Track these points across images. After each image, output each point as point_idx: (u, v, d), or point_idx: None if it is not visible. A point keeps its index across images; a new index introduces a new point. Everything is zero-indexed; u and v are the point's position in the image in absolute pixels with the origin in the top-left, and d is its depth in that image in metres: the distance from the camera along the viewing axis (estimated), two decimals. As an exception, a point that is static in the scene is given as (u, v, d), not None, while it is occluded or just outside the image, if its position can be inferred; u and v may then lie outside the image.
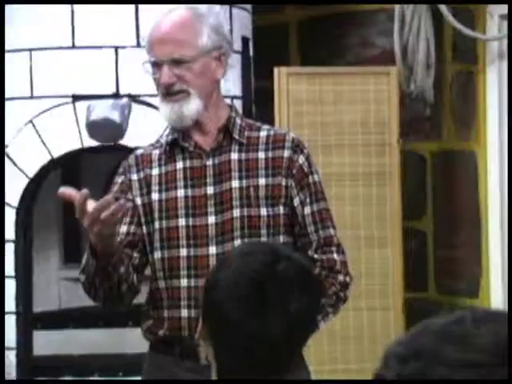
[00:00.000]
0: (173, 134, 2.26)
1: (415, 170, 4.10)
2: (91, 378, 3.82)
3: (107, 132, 2.01)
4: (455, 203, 4.04)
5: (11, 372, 3.65)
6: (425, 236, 4.12)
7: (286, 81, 3.77)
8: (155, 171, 2.25)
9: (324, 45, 4.37)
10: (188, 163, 2.23)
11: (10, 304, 3.65)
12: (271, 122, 3.83)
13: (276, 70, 3.77)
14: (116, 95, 3.58)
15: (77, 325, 4.14)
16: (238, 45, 3.83)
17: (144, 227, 2.24)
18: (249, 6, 3.96)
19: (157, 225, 2.22)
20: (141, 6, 3.57)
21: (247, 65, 3.88)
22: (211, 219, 2.20)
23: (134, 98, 3.58)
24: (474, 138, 3.95)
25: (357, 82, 3.83)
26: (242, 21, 3.85)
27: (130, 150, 3.63)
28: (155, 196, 2.23)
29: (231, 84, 3.77)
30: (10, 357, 3.64)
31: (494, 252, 3.87)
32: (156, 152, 2.28)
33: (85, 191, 2.04)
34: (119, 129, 2.07)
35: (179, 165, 2.23)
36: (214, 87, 2.25)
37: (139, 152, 2.32)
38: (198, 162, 2.23)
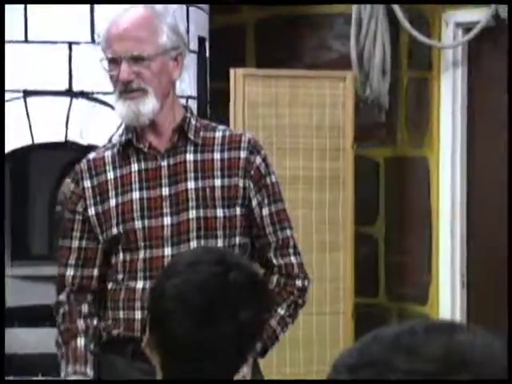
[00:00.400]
0: (127, 134, 2.23)
1: (368, 175, 4.11)
2: (35, 378, 3.75)
3: None
4: (407, 209, 4.05)
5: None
6: (376, 241, 4.13)
7: (242, 82, 3.75)
8: (110, 175, 2.22)
9: (281, 47, 4.36)
10: (143, 165, 2.20)
11: (-45, 302, 3.57)
12: (226, 123, 3.81)
13: (232, 71, 3.74)
14: (69, 91, 3.52)
15: (22, 324, 4.07)
16: (194, 45, 3.80)
17: (100, 237, 2.22)
18: (206, 6, 3.93)
19: (115, 230, 2.19)
20: (96, 5, 3.52)
21: (203, 65, 3.85)
22: (167, 220, 2.17)
23: (87, 96, 3.53)
24: (427, 145, 3.97)
25: (313, 86, 3.82)
26: (198, 21, 3.81)
27: (83, 148, 3.61)
28: (112, 202, 2.20)
29: (186, 84, 3.74)
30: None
31: (443, 259, 3.88)
32: (108, 154, 2.25)
33: None
34: None
35: (134, 167, 2.20)
36: (170, 87, 2.22)
37: (91, 156, 2.28)
38: (152, 163, 2.20)
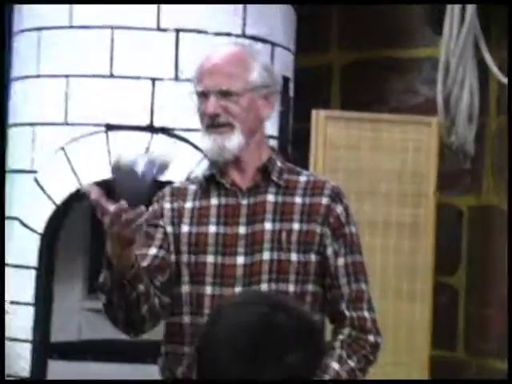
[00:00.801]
0: (210, 169, 2.23)
1: (451, 223, 4.00)
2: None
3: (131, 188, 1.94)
4: (490, 259, 3.92)
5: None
6: (456, 292, 4.01)
7: (324, 124, 3.70)
8: (188, 204, 2.21)
9: (366, 90, 4.31)
10: (223, 200, 2.19)
11: (27, 332, 3.59)
12: (306, 164, 3.76)
13: (314, 113, 3.71)
14: (150, 127, 3.53)
15: (95, 357, 4.06)
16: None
17: (172, 256, 2.19)
18: (292, 46, 3.91)
19: (185, 258, 2.18)
20: (181, 40, 3.53)
21: (286, 105, 3.82)
22: (240, 260, 2.14)
23: (167, 132, 3.53)
24: (514, 194, 3.85)
25: (396, 130, 3.75)
26: (283, 60, 3.80)
27: (161, 183, 3.60)
28: (185, 228, 2.19)
29: (268, 123, 3.71)
30: (24, 386, 3.58)
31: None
32: (192, 187, 2.24)
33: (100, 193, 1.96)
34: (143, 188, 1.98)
35: (214, 201, 2.19)
36: (258, 126, 2.21)
37: (175, 185, 2.29)
38: (233, 200, 2.18)
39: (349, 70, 4.43)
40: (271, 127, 3.74)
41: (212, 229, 2.16)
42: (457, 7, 3.72)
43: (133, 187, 1.98)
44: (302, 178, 2.21)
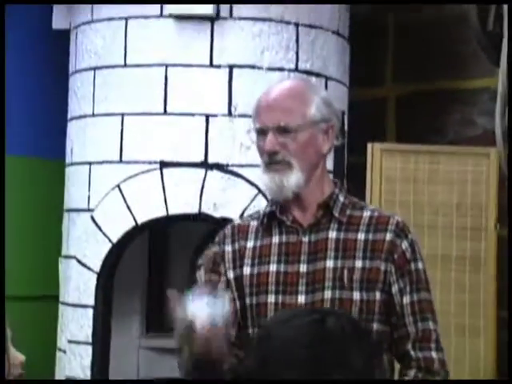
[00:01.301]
0: (271, 206, 2.17)
1: (513, 256, 3.90)
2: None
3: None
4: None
5: None
6: (521, 327, 3.89)
7: (380, 157, 3.65)
8: (250, 244, 2.16)
9: (422, 121, 4.25)
10: (284, 238, 2.13)
11: (86, 371, 3.58)
12: (363, 198, 3.71)
13: (369, 146, 3.66)
14: (204, 163, 3.52)
15: (153, 396, 4.04)
16: (332, 118, 3.74)
17: (237, 302, 2.14)
18: (346, 79, 3.88)
19: (247, 300, 2.12)
20: (235, 75, 3.53)
21: (341, 139, 3.78)
22: (301, 299, 2.08)
23: (222, 168, 3.52)
24: None
25: (454, 162, 3.68)
26: (337, 93, 3.77)
27: (216, 221, 3.59)
28: (247, 270, 2.14)
29: (324, 158, 3.68)
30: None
31: None
32: (254, 224, 2.18)
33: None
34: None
35: (275, 239, 2.14)
36: (319, 161, 2.14)
37: (237, 223, 2.23)
38: (294, 237, 2.12)
39: (404, 102, 4.38)
40: (327, 162, 3.71)
41: (273, 267, 2.11)
42: (514, 35, 3.65)
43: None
44: (366, 214, 2.13)
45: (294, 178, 2.07)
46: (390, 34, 4.49)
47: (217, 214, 3.51)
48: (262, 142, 2.10)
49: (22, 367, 1.82)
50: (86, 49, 3.72)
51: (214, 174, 3.52)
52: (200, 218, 3.55)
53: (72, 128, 3.81)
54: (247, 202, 3.51)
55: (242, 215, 3.49)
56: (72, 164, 3.80)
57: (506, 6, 3.54)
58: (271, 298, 2.09)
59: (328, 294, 2.06)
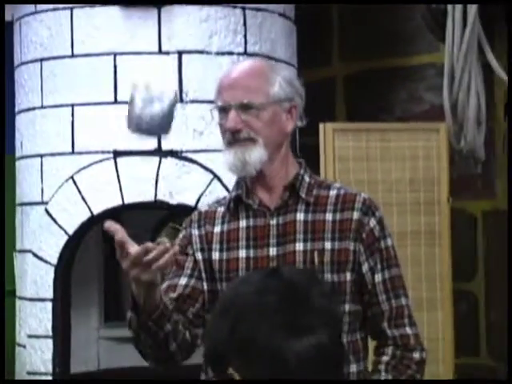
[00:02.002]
0: (237, 190, 2.14)
1: (466, 229, 3.97)
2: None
3: (153, 124, 1.90)
4: (507, 263, 3.88)
5: None
6: (476, 298, 3.96)
7: (332, 137, 3.68)
8: (217, 229, 2.13)
9: (371, 100, 4.28)
10: (251, 222, 2.10)
11: (47, 365, 3.55)
12: (316, 178, 3.73)
13: (321, 126, 3.68)
14: (158, 151, 3.51)
15: (115, 386, 4.02)
16: (282, 100, 3.75)
17: (205, 283, 2.12)
18: (294, 61, 3.89)
19: (218, 285, 2.10)
20: (184, 61, 3.51)
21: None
22: None
23: (176, 155, 3.51)
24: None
25: (405, 139, 3.72)
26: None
27: (170, 207, 3.59)
28: (215, 255, 2.11)
29: (276, 140, 3.69)
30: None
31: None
32: (221, 209, 2.15)
33: (123, 235, 1.88)
34: (164, 121, 1.93)
35: (242, 223, 2.11)
36: (283, 140, 2.11)
37: (203, 208, 2.20)
38: (261, 220, 2.10)
39: (352, 81, 4.41)
40: (279, 143, 3.73)
41: (242, 253, 2.08)
42: (458, 10, 3.69)
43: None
44: (333, 192, 2.11)
45: (256, 154, 2.04)
46: (335, 13, 4.51)
47: (173, 201, 3.51)
48: (224, 120, 2.07)
49: None
50: (31, 40, 3.67)
51: (168, 161, 3.51)
52: (156, 205, 3.54)
53: (21, 121, 3.77)
54: (203, 187, 3.51)
55: (198, 201, 3.49)
56: (22, 157, 3.75)
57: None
58: None
59: None
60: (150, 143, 3.51)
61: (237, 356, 1.43)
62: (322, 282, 1.54)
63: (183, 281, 2.12)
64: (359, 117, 4.14)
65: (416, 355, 2.09)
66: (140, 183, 3.51)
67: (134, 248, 1.88)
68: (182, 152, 3.52)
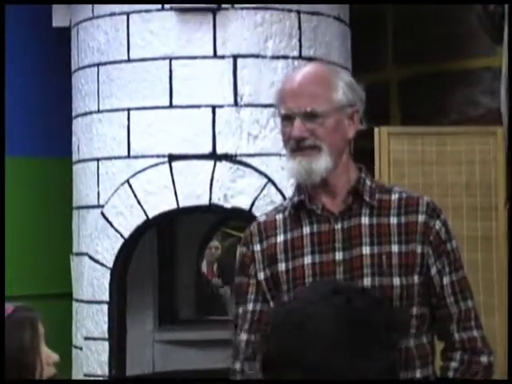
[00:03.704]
0: (299, 195, 2.11)
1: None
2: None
3: None
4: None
5: None
6: (534, 304, 3.90)
7: (387, 141, 3.65)
8: (280, 238, 2.10)
9: (426, 104, 4.25)
10: (315, 227, 2.07)
11: (103, 367, 3.58)
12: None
13: (376, 130, 3.66)
14: (213, 155, 3.52)
15: (170, 389, 4.05)
16: (337, 104, 3.75)
17: (271, 303, 2.09)
18: (349, 65, 3.88)
19: (285, 297, 2.06)
20: (239, 65, 3.53)
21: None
22: None
23: (230, 158, 3.52)
24: None
25: (461, 142, 3.68)
26: (341, 80, 3.76)
27: (225, 211, 3.60)
28: (282, 266, 2.08)
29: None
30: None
31: None
32: (280, 217, 2.12)
33: None
34: None
35: (306, 230, 2.08)
36: (345, 146, 2.10)
37: (262, 219, 2.15)
38: (325, 225, 2.07)
39: (406, 84, 4.38)
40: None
41: (307, 259, 2.05)
42: (515, 13, 3.65)
43: None
44: (394, 196, 2.08)
45: (323, 162, 2.02)
46: (390, 17, 4.49)
47: (227, 205, 3.52)
48: (289, 128, 2.05)
49: (56, 367, 1.81)
50: (89, 45, 3.71)
51: (222, 165, 3.52)
52: (211, 209, 3.55)
53: (77, 125, 3.81)
54: (257, 191, 3.52)
55: (252, 205, 3.50)
56: (79, 161, 3.79)
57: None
58: None
59: (368, 281, 2.02)
60: (205, 147, 3.52)
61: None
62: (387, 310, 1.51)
63: (250, 307, 2.11)
64: (414, 121, 4.11)
65: (484, 359, 2.07)
66: (195, 187, 3.53)
67: None
68: (236, 156, 3.52)
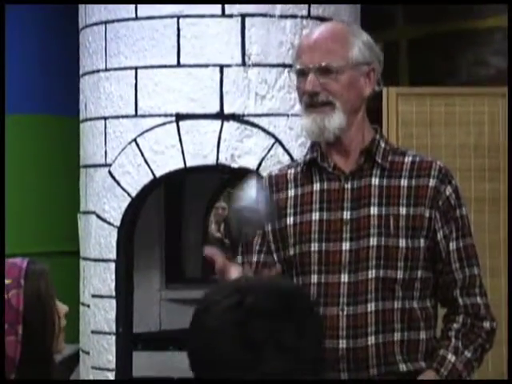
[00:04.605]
0: (311, 153, 2.11)
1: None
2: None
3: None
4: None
5: (109, 394, 3.61)
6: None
7: (396, 101, 3.64)
8: (291, 193, 2.11)
9: (435, 64, 4.22)
10: (325, 185, 2.08)
11: (111, 324, 3.61)
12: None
13: (385, 90, 3.64)
14: (220, 114, 3.51)
15: (177, 347, 4.08)
16: (345, 64, 3.72)
17: (275, 254, 2.11)
18: (358, 24, 3.85)
19: (291, 251, 2.08)
20: (247, 24, 3.50)
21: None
22: (345, 246, 2.04)
23: (238, 118, 3.51)
24: None
25: (470, 104, 3.67)
26: (350, 39, 3.74)
27: (232, 171, 3.59)
28: (290, 220, 2.09)
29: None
30: (111, 378, 3.60)
31: None
32: (291, 171, 2.14)
33: (223, 261, 1.95)
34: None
35: (316, 186, 2.09)
36: (361, 105, 2.07)
37: (274, 173, 2.18)
38: (336, 184, 2.07)
39: (416, 44, 4.35)
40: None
41: (315, 216, 2.06)
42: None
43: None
44: (408, 159, 2.08)
45: (336, 119, 2.01)
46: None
47: (234, 165, 3.51)
48: (303, 83, 2.04)
49: (65, 317, 1.86)
50: (96, 3, 3.69)
51: (230, 125, 3.51)
52: (218, 169, 3.55)
53: (85, 83, 3.80)
54: (265, 151, 3.51)
55: (259, 165, 3.49)
56: (86, 120, 3.79)
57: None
58: (315, 247, 2.05)
59: (374, 240, 2.02)
60: (213, 107, 3.51)
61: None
62: (290, 307, 1.41)
63: (254, 258, 2.12)
64: (422, 81, 4.09)
65: (486, 324, 2.08)
66: (202, 146, 3.52)
67: (234, 272, 1.92)
68: (243, 116, 3.51)
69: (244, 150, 3.51)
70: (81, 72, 3.83)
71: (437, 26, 4.24)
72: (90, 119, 3.75)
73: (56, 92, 4.66)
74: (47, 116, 4.67)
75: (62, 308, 1.85)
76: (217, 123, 3.51)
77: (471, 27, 4.17)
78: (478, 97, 3.68)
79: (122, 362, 3.60)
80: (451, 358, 2.03)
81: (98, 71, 3.68)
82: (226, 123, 3.51)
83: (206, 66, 3.50)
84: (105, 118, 3.66)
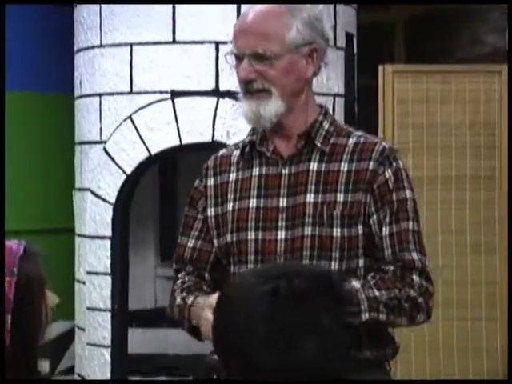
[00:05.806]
0: (252, 135, 2.03)
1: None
2: (186, 379, 3.76)
3: None
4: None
5: (105, 371, 3.62)
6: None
7: (392, 79, 3.63)
8: (232, 176, 2.03)
9: (431, 42, 4.22)
10: (264, 170, 2.00)
11: (106, 301, 3.62)
12: (375, 121, 3.70)
13: (381, 68, 3.64)
14: (216, 91, 3.50)
15: (172, 324, 4.08)
16: (341, 41, 3.71)
17: (215, 241, 2.04)
18: (354, 4, 3.84)
19: (229, 237, 2.02)
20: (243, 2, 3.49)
21: (350, 62, 3.76)
22: (281, 234, 1.96)
23: (233, 95, 3.50)
24: None
25: (466, 81, 3.66)
26: (346, 17, 3.73)
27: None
28: (230, 206, 2.02)
29: (333, 81, 3.66)
30: (106, 355, 3.61)
31: None
32: (236, 153, 2.05)
33: None
34: None
35: (255, 171, 2.01)
36: (303, 87, 1.98)
37: (220, 153, 2.09)
38: (273, 169, 1.99)
39: (413, 22, 4.34)
40: (336, 85, 3.69)
41: (252, 203, 1.99)
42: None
43: None
44: (351, 141, 1.98)
45: (272, 107, 1.93)
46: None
47: (230, 142, 3.50)
48: (239, 68, 1.94)
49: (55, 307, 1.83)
50: (91, -21, 3.67)
51: (225, 102, 3.50)
52: (213, 146, 3.54)
53: (79, 60, 3.78)
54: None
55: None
56: (81, 96, 3.77)
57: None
58: (251, 235, 1.98)
59: (308, 230, 1.95)
60: (208, 84, 3.50)
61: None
62: (325, 289, 1.40)
63: (191, 243, 2.05)
64: (418, 59, 4.08)
65: (416, 278, 1.93)
66: (197, 124, 3.51)
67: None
68: (239, 93, 3.50)
69: (239, 127, 3.50)
70: (75, 48, 3.81)
71: (433, 3, 4.22)
72: (85, 96, 3.73)
73: (51, 69, 4.64)
74: (42, 93, 4.65)
75: (53, 299, 1.81)
76: (212, 100, 3.50)
77: (468, 5, 4.16)
78: (473, 74, 3.67)
79: (118, 338, 3.61)
80: (375, 292, 1.89)
81: (93, 47, 3.67)
82: (221, 100, 3.50)
83: (202, 42, 3.49)
84: (100, 95, 3.65)
